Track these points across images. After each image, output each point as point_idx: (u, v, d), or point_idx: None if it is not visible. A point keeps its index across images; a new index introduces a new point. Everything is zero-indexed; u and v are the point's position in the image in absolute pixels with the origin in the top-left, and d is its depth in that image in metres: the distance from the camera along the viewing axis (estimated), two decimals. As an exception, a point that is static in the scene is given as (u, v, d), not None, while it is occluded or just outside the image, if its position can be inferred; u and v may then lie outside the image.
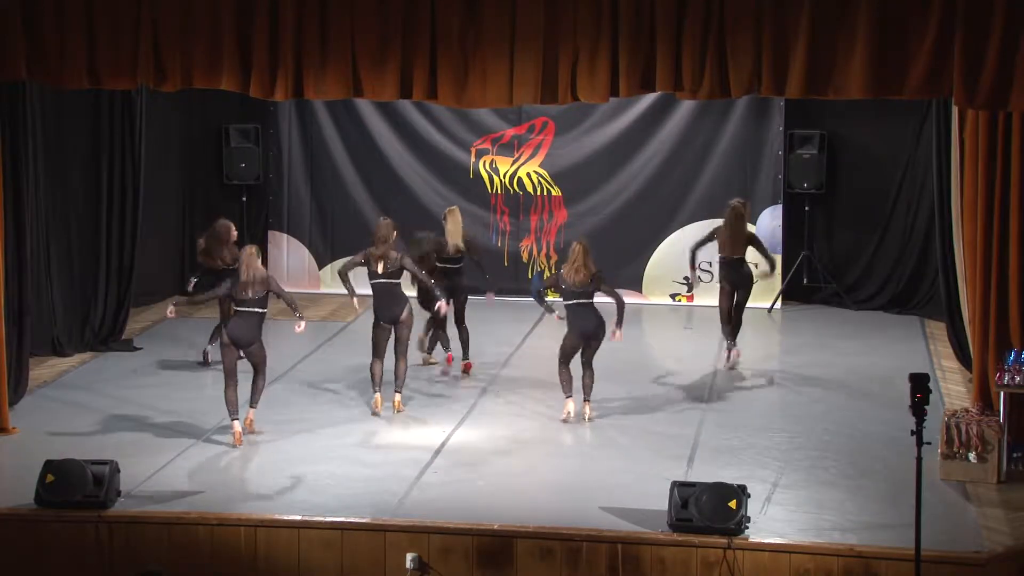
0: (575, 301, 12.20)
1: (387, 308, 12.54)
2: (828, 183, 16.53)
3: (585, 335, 12.20)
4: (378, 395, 12.60)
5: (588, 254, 12.22)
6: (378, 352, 12.64)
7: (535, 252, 17.11)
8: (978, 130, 11.63)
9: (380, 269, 12.48)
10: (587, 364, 12.33)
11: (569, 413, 12.30)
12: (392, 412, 12.57)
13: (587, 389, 12.36)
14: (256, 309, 11.82)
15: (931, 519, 9.56)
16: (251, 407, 12.05)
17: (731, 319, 14.04)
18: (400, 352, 12.65)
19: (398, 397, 12.67)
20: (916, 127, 15.98)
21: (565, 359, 12.31)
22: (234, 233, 14.06)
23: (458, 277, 13.80)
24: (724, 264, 14.04)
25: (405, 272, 12.66)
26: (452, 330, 13.88)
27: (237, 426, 11.80)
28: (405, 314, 12.55)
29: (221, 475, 11.14)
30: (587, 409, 12.35)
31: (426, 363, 14.07)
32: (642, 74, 10.99)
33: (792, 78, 10.76)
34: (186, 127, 17.17)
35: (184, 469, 11.26)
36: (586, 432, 12.15)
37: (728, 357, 14.10)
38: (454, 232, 13.78)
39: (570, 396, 12.34)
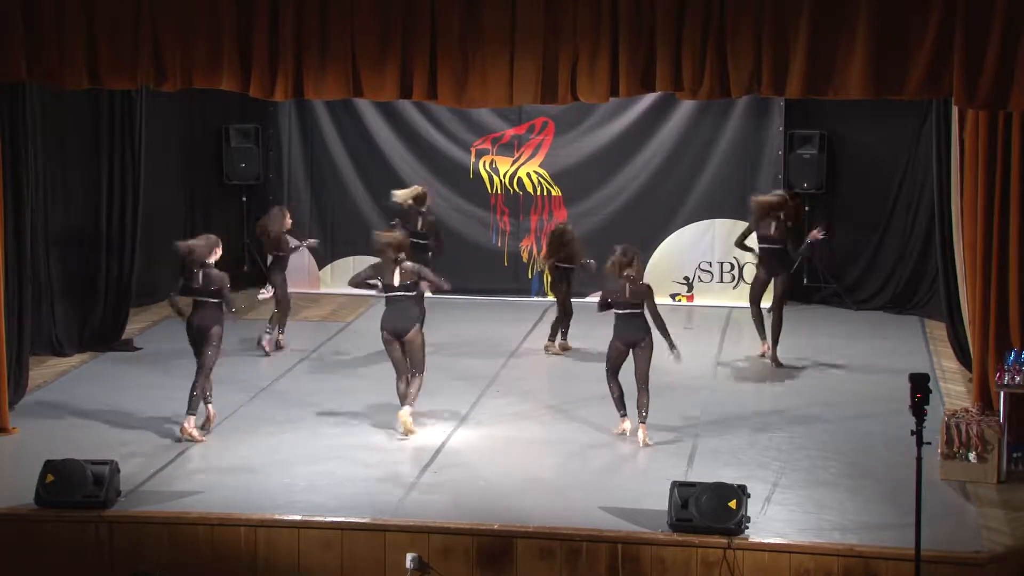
0: (629, 311, 11.79)
1: (394, 321, 11.94)
2: (828, 183, 16.53)
3: (630, 343, 11.80)
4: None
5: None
6: (399, 369, 12.05)
7: (535, 252, 17.09)
8: (978, 130, 11.63)
9: (396, 281, 11.94)
10: (640, 380, 11.81)
11: (625, 431, 11.96)
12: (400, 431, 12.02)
13: (643, 408, 11.77)
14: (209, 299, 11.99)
15: (931, 519, 9.55)
16: (207, 404, 12.19)
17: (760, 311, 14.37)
18: (415, 370, 12.03)
19: (406, 412, 11.92)
20: (916, 127, 15.97)
21: (614, 371, 11.92)
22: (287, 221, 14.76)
23: (423, 253, 13.98)
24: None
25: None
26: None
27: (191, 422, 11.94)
28: (413, 332, 11.97)
29: (221, 475, 11.14)
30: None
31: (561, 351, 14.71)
32: (642, 74, 11.00)
33: (792, 78, 10.76)
34: (186, 127, 17.17)
35: (184, 469, 11.26)
36: (586, 432, 12.15)
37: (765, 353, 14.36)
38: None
39: (625, 414, 11.96)
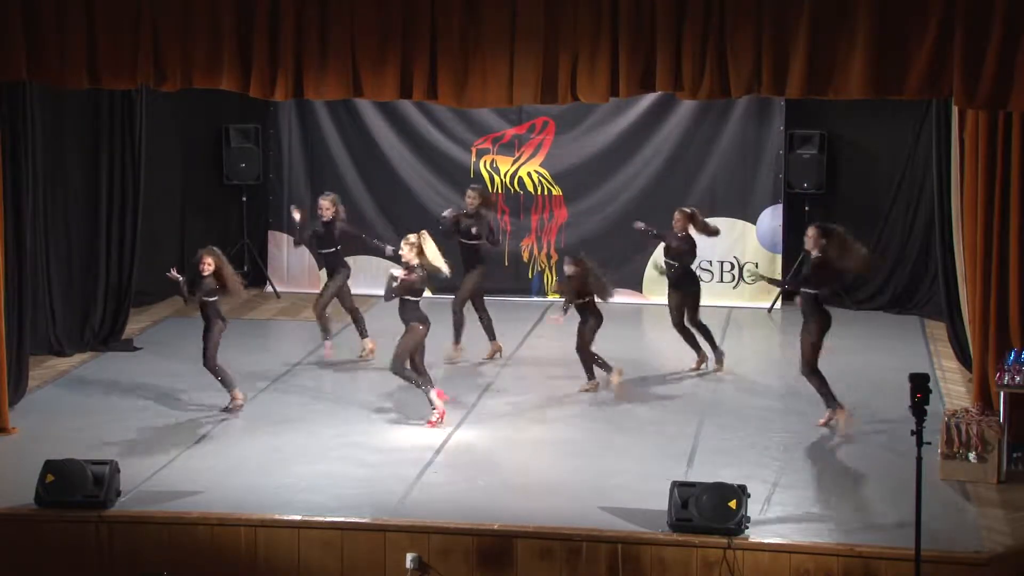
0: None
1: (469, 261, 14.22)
2: (828, 183, 16.52)
3: None
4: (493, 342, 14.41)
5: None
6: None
7: (535, 251, 17.11)
8: (978, 130, 11.63)
9: (473, 232, 14.24)
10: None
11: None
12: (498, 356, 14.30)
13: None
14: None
15: (931, 519, 9.57)
16: None
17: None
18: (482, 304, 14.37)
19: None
20: (916, 127, 15.97)
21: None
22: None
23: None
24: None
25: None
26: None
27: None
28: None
29: (221, 475, 11.13)
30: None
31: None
32: (642, 74, 10.99)
33: (792, 78, 10.76)
34: (186, 127, 17.16)
35: (184, 469, 11.26)
36: (586, 432, 12.15)
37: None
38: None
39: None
